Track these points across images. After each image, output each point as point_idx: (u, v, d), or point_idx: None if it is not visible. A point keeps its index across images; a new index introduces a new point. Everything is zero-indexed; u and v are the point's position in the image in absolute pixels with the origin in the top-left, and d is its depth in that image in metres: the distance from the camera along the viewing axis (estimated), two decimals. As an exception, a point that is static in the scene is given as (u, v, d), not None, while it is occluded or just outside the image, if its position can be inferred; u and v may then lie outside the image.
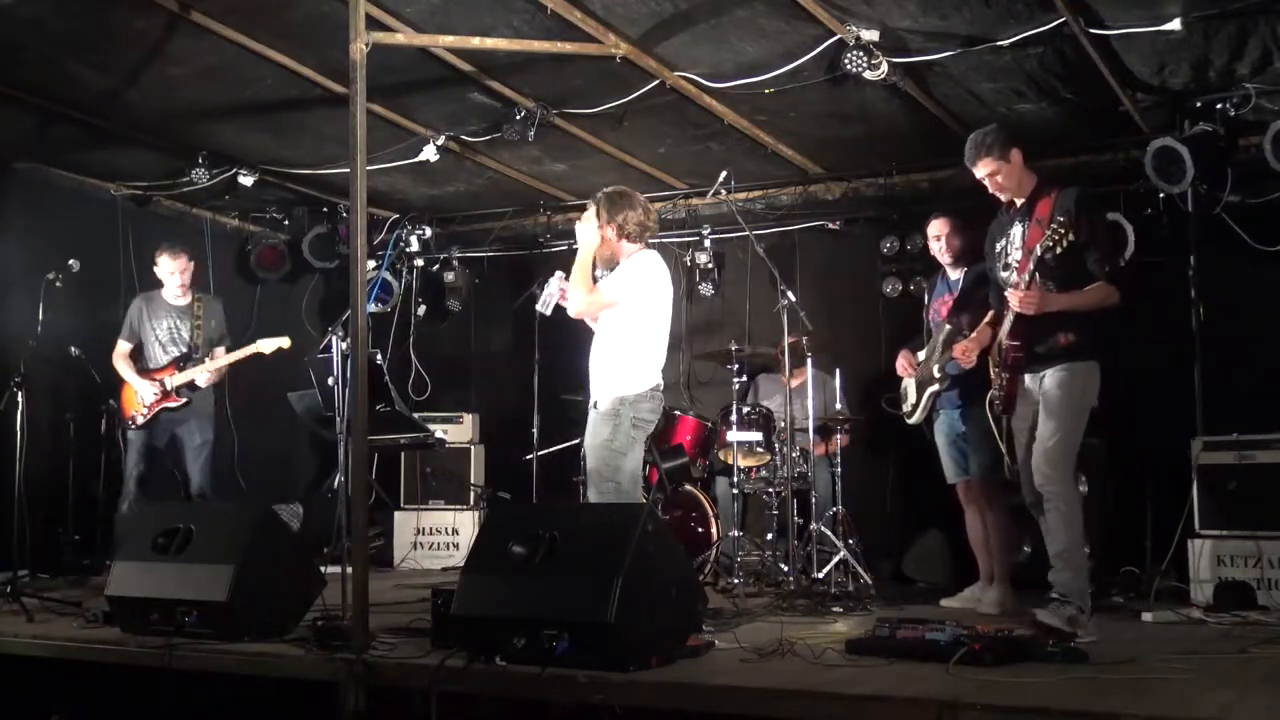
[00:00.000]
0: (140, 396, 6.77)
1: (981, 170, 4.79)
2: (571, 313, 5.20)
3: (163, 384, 6.75)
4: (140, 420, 6.73)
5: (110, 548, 6.58)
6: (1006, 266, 4.81)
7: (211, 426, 6.89)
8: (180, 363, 6.78)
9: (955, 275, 5.92)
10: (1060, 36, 5.35)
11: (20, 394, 5.87)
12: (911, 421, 5.99)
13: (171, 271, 6.89)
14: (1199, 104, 6.11)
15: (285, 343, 6.76)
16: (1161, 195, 6.46)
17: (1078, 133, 6.65)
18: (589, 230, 5.15)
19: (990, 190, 4.86)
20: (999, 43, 5.42)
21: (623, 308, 5.07)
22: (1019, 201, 4.80)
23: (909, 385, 6.04)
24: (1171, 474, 5.91)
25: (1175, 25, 5.16)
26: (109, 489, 7.02)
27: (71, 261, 6.48)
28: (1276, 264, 6.29)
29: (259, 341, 6.77)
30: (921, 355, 5.96)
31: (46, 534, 6.72)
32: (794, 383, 7.30)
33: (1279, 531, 5.50)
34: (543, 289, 5.32)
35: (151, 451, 6.79)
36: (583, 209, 5.40)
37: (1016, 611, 5.20)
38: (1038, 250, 4.51)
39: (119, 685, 4.47)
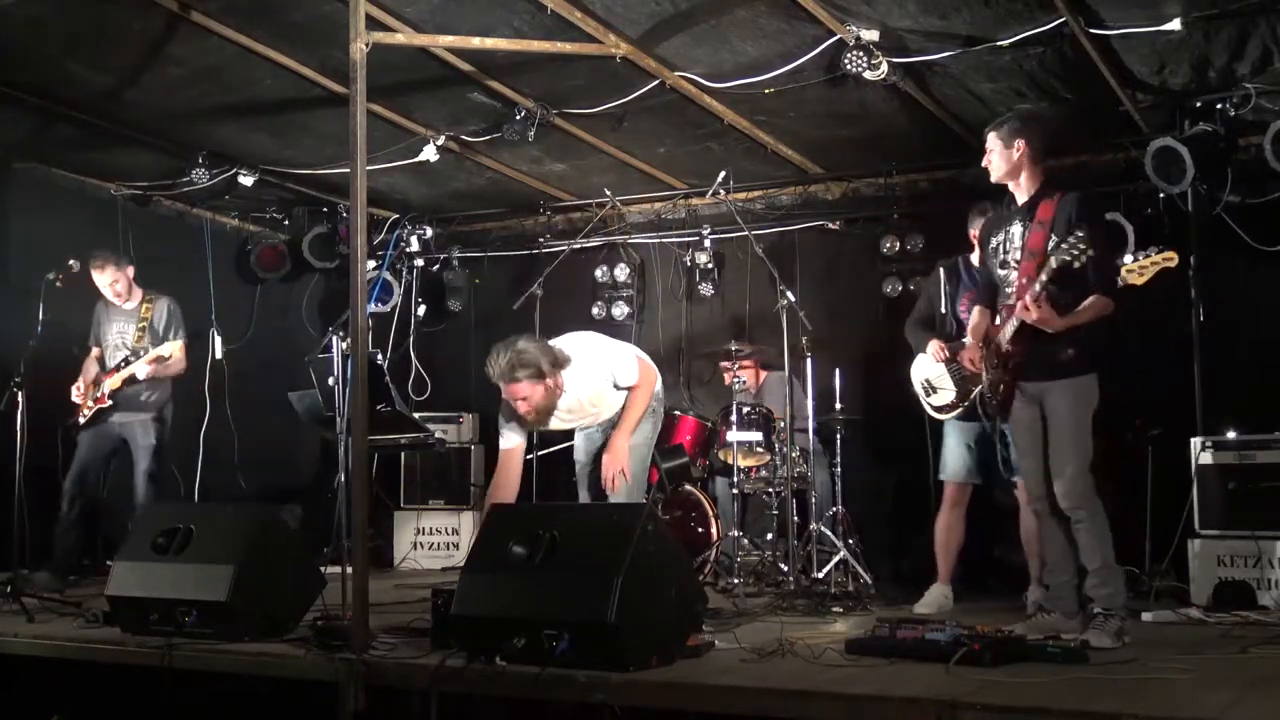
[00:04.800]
0: (82, 396, 6.74)
1: (988, 143, 4.65)
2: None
3: (98, 385, 6.68)
4: (82, 420, 6.69)
5: (55, 552, 6.57)
6: (1004, 264, 4.66)
7: (157, 433, 6.73)
8: (120, 366, 6.67)
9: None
10: (1060, 36, 5.35)
11: (20, 394, 5.86)
12: (948, 417, 5.69)
13: (100, 285, 6.80)
14: (1199, 104, 6.11)
15: (178, 345, 6.63)
16: (1161, 195, 6.46)
17: (1078, 133, 6.64)
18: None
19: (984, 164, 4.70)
20: (999, 43, 5.42)
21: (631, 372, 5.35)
22: (1020, 199, 4.64)
23: (938, 376, 5.68)
24: (1171, 474, 5.90)
25: (1175, 25, 5.16)
26: (108, 489, 7.02)
27: (71, 261, 6.46)
28: (1276, 264, 6.29)
29: (163, 345, 6.64)
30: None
31: (46, 534, 6.71)
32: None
33: (1279, 531, 5.51)
34: None
35: (98, 453, 6.74)
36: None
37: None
38: (1053, 262, 4.33)
39: (119, 685, 4.47)
